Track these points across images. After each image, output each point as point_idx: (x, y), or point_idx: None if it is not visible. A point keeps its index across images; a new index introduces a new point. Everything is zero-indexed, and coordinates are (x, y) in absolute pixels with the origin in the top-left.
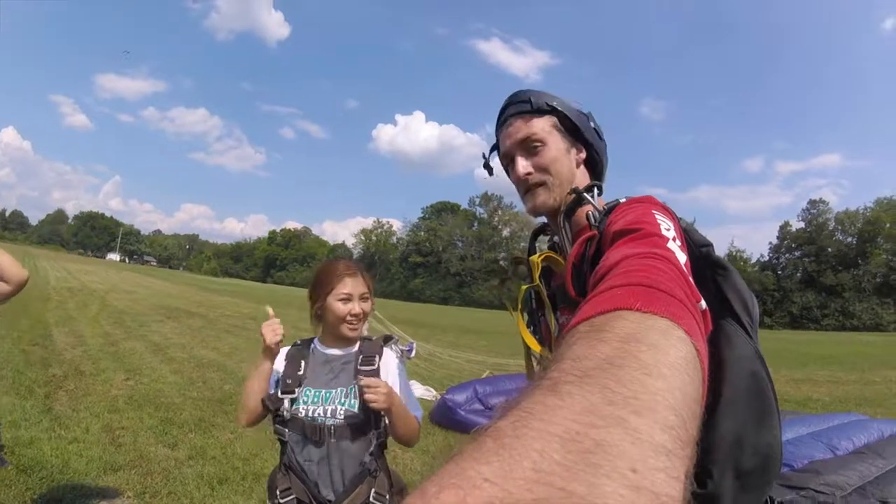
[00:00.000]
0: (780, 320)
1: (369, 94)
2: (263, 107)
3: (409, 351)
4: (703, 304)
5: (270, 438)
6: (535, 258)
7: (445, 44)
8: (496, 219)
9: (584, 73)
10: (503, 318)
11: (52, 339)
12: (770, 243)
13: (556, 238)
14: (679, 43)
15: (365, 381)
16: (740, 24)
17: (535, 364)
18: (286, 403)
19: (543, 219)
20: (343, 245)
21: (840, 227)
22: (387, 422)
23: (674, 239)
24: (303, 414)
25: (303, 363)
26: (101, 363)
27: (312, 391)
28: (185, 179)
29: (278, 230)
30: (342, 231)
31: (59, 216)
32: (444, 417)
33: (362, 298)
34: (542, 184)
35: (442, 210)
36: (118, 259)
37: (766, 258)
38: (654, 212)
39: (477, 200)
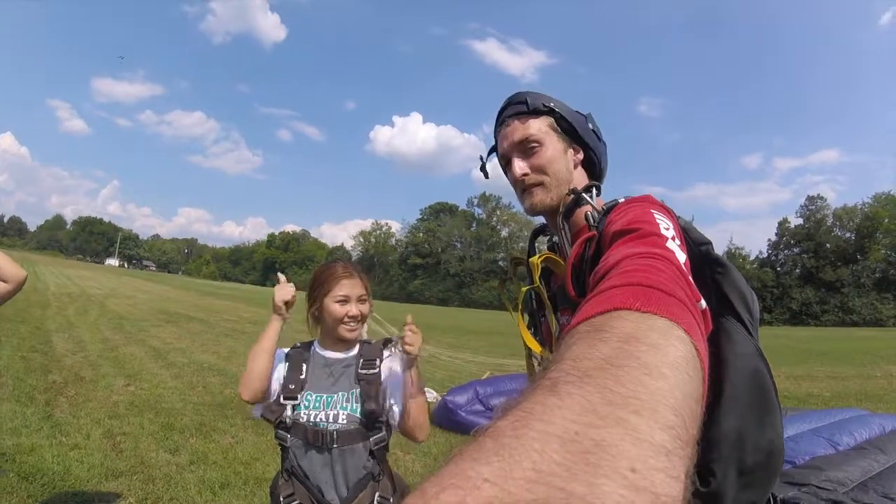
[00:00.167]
0: (780, 317)
1: (366, 95)
2: (260, 109)
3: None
4: (703, 303)
5: (271, 443)
6: (535, 259)
7: (442, 45)
8: (495, 219)
9: (581, 73)
10: (503, 319)
11: (52, 346)
12: (769, 240)
13: (555, 239)
14: (676, 40)
15: (406, 334)
16: (737, 20)
17: (536, 365)
18: (288, 410)
19: (542, 220)
20: (342, 247)
21: (838, 223)
22: (393, 419)
23: (673, 238)
24: (305, 419)
25: (304, 367)
26: (101, 369)
27: (314, 396)
28: (182, 183)
29: (277, 233)
30: (341, 233)
31: (58, 222)
32: (445, 419)
33: (360, 300)
34: (539, 184)
35: (440, 211)
36: (117, 264)
37: (765, 255)
38: (652, 211)
39: (475, 201)
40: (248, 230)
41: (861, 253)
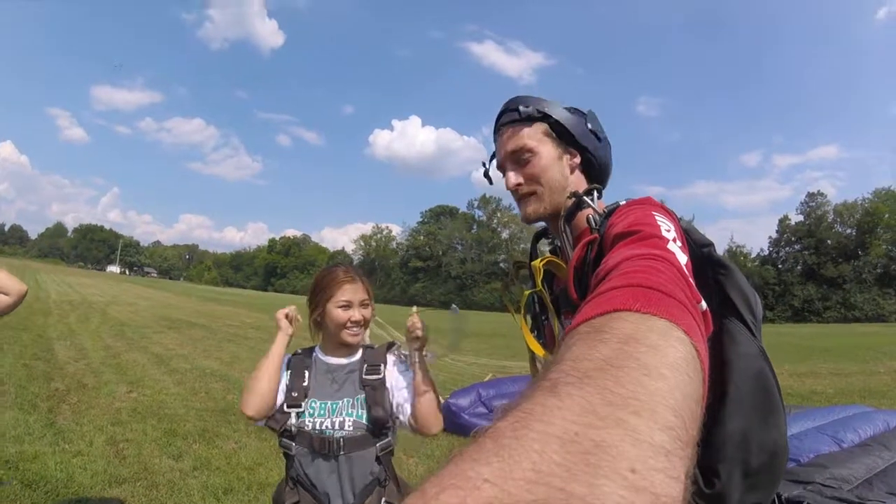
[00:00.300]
0: (782, 314)
1: (365, 99)
2: (259, 115)
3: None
4: (704, 304)
5: (275, 448)
6: (537, 263)
7: (440, 48)
8: (495, 221)
9: (580, 73)
10: (505, 321)
11: (54, 353)
12: (769, 237)
13: (557, 242)
14: (673, 39)
15: (412, 320)
16: (734, 18)
17: (539, 368)
18: (292, 418)
19: (543, 223)
20: (343, 251)
21: (839, 219)
22: (403, 415)
23: (674, 240)
24: (310, 427)
25: (307, 373)
26: (103, 376)
27: (318, 403)
28: (183, 190)
29: (278, 238)
30: (341, 237)
31: (59, 230)
32: (448, 422)
33: (362, 305)
34: (532, 193)
35: (441, 214)
36: (118, 271)
37: (766, 252)
38: (654, 213)
39: (475, 203)
40: (248, 235)
41: (862, 249)
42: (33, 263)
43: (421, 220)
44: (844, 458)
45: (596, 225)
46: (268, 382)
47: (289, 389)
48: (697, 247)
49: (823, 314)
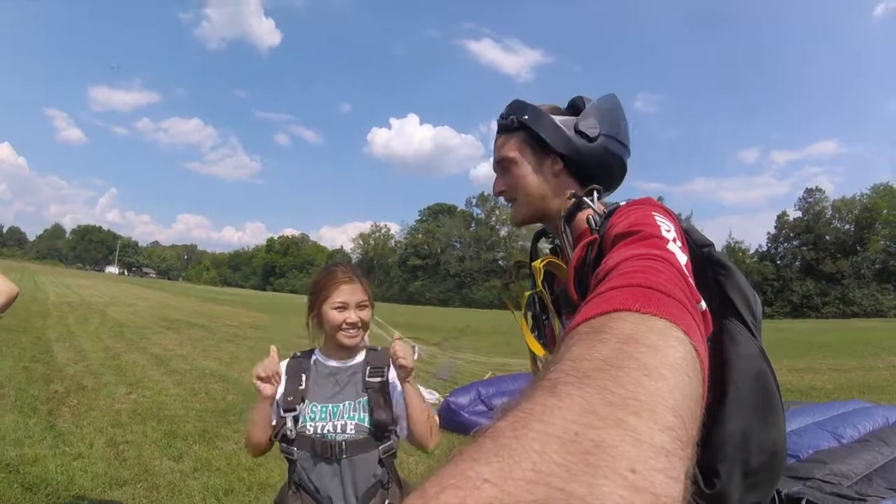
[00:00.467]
0: (781, 310)
1: (363, 98)
2: (257, 114)
3: (418, 352)
4: (703, 304)
5: (275, 448)
6: (538, 264)
7: (437, 46)
8: (493, 219)
9: (577, 70)
10: (504, 318)
11: (54, 355)
12: (768, 233)
13: (557, 242)
14: (670, 36)
15: (394, 348)
16: (731, 15)
17: (540, 368)
18: (289, 422)
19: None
20: (341, 250)
21: (837, 215)
22: (401, 432)
23: (674, 240)
24: (311, 431)
25: (303, 377)
26: (102, 377)
27: (318, 406)
28: (181, 190)
29: (276, 237)
30: (340, 236)
31: (57, 231)
32: (448, 420)
33: (359, 306)
34: (513, 200)
35: (439, 212)
36: (117, 272)
37: (765, 248)
38: (653, 214)
39: (474, 201)
40: (247, 235)
41: (861, 244)
42: (32, 265)
43: (419, 218)
44: (844, 453)
45: (596, 225)
46: (261, 434)
47: (284, 393)
48: (697, 247)
49: (822, 310)
